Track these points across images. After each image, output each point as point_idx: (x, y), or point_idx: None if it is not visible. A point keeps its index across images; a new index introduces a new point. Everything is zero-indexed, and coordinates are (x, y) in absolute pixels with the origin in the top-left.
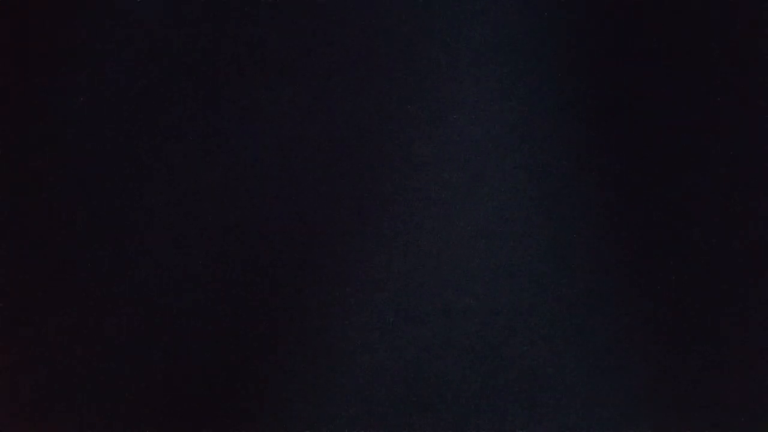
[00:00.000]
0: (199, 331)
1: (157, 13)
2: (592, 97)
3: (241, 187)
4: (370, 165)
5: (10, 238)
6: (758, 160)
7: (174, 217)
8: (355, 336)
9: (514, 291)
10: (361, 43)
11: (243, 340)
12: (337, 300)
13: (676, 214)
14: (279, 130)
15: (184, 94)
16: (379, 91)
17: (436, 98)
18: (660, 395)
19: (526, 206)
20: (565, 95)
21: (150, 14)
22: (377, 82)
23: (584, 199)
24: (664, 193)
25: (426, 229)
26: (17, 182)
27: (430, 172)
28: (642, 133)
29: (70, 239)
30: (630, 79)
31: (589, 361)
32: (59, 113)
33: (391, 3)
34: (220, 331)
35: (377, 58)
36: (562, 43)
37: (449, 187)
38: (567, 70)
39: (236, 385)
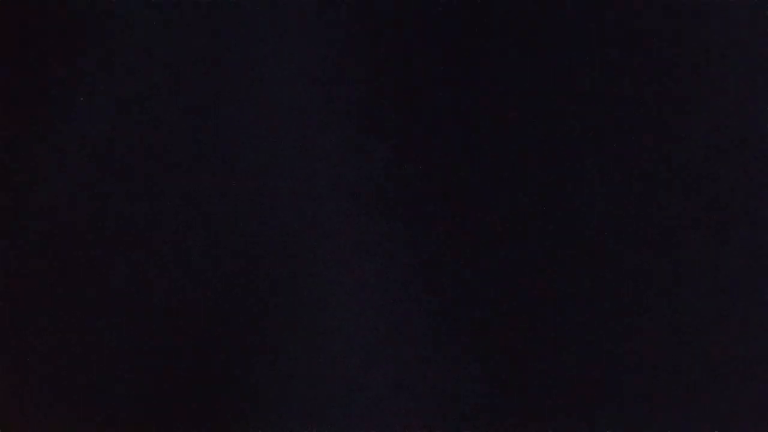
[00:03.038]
0: (200, 332)
1: (156, 13)
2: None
3: (234, 188)
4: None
5: (10, 238)
6: (757, 160)
7: (173, 218)
8: (352, 336)
9: (513, 290)
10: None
11: (237, 341)
12: (330, 301)
13: (676, 213)
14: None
15: (182, 94)
16: (378, 89)
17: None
18: (661, 395)
19: (525, 206)
20: (561, 94)
21: (149, 14)
22: (375, 81)
23: (584, 198)
24: (664, 192)
25: (425, 229)
26: (17, 182)
27: (435, 172)
28: (643, 132)
29: (71, 239)
30: (628, 79)
31: (589, 361)
32: (58, 114)
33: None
34: (219, 332)
35: (376, 55)
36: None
37: (452, 188)
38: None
39: (233, 385)
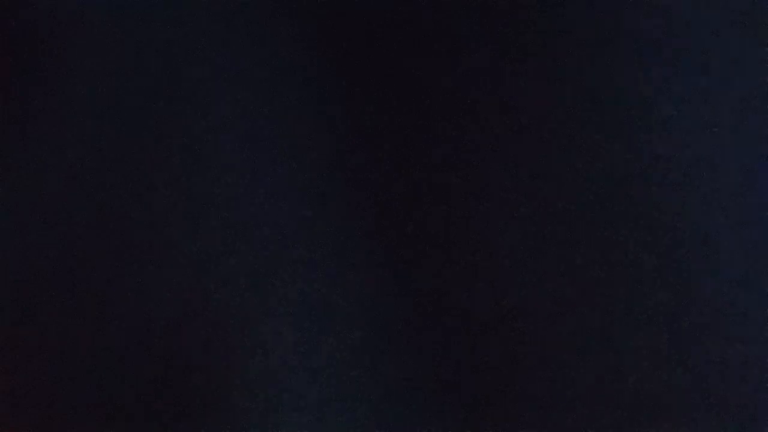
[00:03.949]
0: (200, 334)
1: (154, 14)
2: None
3: (230, 190)
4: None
5: (9, 238)
6: (756, 160)
7: (170, 218)
8: (354, 336)
9: (514, 291)
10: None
11: (232, 343)
12: (329, 303)
13: (675, 214)
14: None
15: (178, 95)
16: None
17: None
18: (660, 395)
19: (526, 205)
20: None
21: (146, 15)
22: (382, 81)
23: (583, 198)
24: (662, 192)
25: (425, 228)
26: (17, 183)
27: (440, 173)
28: (642, 131)
29: (69, 240)
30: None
31: (589, 361)
32: (57, 114)
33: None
34: (216, 333)
35: (384, 58)
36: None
37: (453, 188)
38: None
39: (229, 386)
